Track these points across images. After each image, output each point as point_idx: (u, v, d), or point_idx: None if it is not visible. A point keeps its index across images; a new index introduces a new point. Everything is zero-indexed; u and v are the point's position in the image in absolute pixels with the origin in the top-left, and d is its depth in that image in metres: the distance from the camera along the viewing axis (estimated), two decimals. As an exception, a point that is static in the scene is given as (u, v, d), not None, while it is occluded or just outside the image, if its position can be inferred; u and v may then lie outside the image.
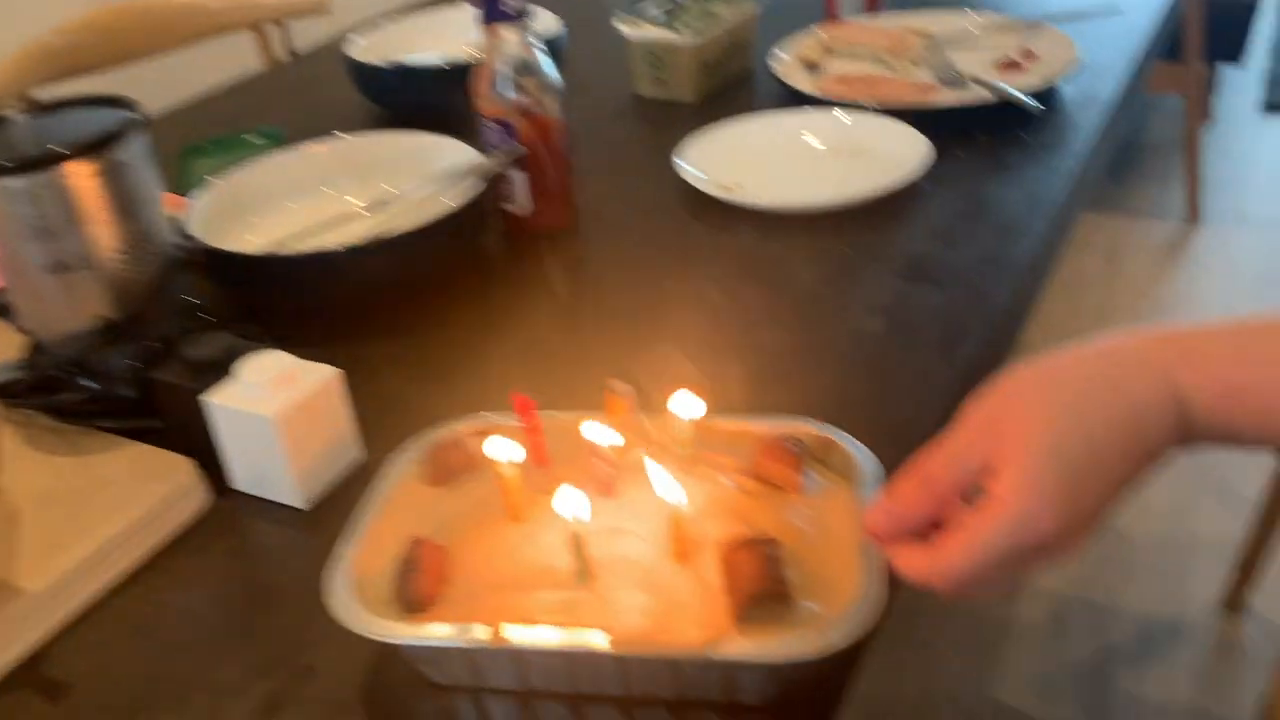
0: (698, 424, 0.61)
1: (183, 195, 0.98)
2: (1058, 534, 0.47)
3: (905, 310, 0.83)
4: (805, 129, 1.14)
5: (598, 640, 0.51)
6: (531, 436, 0.61)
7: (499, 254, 1.01)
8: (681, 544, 0.55)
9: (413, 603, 0.53)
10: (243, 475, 0.71)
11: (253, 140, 1.20)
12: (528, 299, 0.93)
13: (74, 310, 0.75)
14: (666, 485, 0.55)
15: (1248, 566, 1.67)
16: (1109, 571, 1.80)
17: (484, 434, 0.61)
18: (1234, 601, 1.70)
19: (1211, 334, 0.51)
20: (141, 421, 0.75)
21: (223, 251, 0.87)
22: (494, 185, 1.00)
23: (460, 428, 0.64)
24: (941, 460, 0.50)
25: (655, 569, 0.55)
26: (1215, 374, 0.49)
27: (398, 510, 0.59)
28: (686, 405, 0.60)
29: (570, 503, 0.54)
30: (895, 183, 0.99)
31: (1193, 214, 2.67)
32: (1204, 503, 1.91)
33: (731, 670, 0.52)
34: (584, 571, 0.54)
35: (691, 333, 0.84)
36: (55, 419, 0.76)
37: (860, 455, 0.60)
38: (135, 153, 0.76)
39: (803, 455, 0.60)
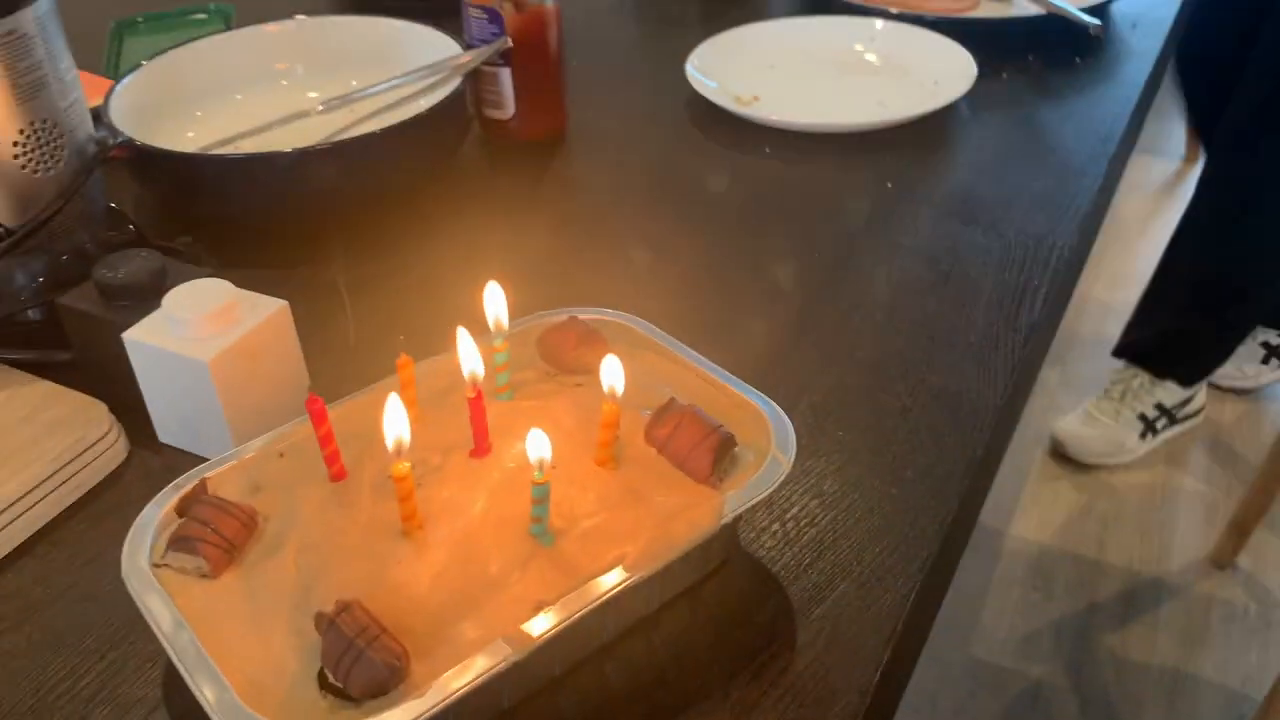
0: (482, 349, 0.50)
1: (109, 79, 0.83)
2: None
3: (954, 258, 0.72)
4: (833, 38, 1.01)
5: (619, 576, 0.43)
6: (327, 446, 0.47)
7: (476, 167, 0.87)
8: (606, 447, 0.47)
9: (390, 678, 0.39)
10: (170, 426, 0.59)
11: (197, 17, 1.04)
12: (508, 220, 0.80)
13: (-35, 213, 0.62)
14: (613, 371, 0.47)
15: (1242, 526, 1.61)
16: (1094, 524, 1.73)
17: (211, 488, 0.48)
18: (1222, 560, 1.65)
19: None
20: (46, 353, 0.62)
21: (153, 149, 0.73)
22: (475, 84, 0.86)
23: (198, 481, 0.48)
24: None
25: (596, 486, 0.47)
26: None
27: (218, 627, 0.42)
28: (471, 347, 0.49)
29: (538, 446, 0.44)
30: (935, 104, 0.86)
31: (1192, 154, 2.57)
32: (1195, 456, 1.85)
33: (731, 527, 0.47)
34: (545, 529, 0.45)
35: (696, 269, 0.72)
36: (-59, 344, 0.63)
37: (636, 323, 0.56)
38: (42, 21, 0.62)
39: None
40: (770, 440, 0.49)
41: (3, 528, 0.52)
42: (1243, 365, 1.92)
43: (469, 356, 0.46)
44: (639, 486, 0.47)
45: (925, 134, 0.86)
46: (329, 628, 0.40)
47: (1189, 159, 2.58)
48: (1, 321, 0.63)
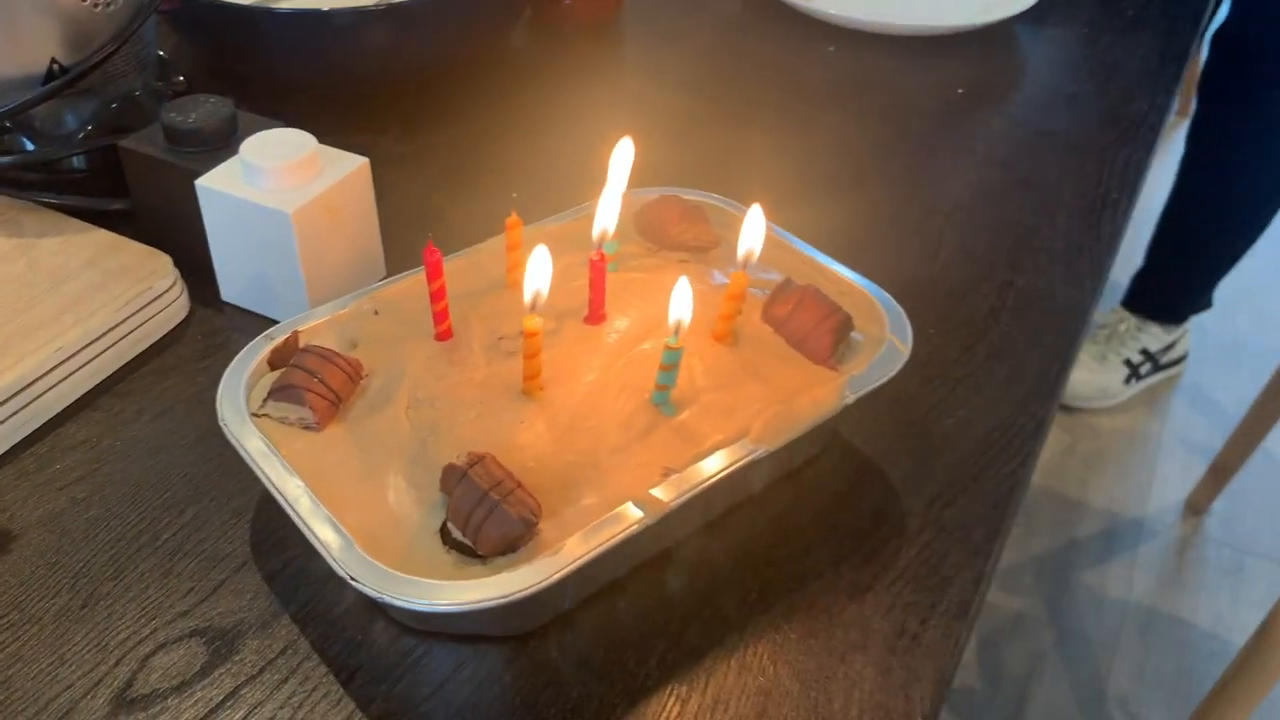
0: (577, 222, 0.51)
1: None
2: None
3: (1031, 165, 0.71)
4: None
5: (744, 449, 0.42)
6: (438, 301, 0.45)
7: (526, 48, 0.84)
8: (728, 320, 0.46)
9: (524, 534, 0.37)
10: (236, 284, 0.56)
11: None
12: (556, 104, 0.77)
13: (14, 48, 0.58)
14: (754, 233, 0.46)
15: (1221, 472, 1.64)
16: (1077, 465, 1.75)
17: (309, 337, 0.46)
18: (1199, 505, 1.68)
19: None
20: (99, 200, 0.59)
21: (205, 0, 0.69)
22: (531, -39, 0.82)
23: (290, 334, 0.46)
24: None
25: (715, 361, 0.46)
26: None
27: (327, 478, 0.40)
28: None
29: (680, 305, 0.42)
30: (996, 15, 0.84)
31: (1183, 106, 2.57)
32: (1177, 404, 1.87)
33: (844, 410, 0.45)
34: (668, 398, 0.43)
35: (764, 161, 0.70)
36: (-16, 187, 0.59)
37: (731, 205, 0.55)
38: None
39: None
40: (884, 327, 0.48)
41: (68, 376, 0.50)
42: (1107, 385, 1.89)
43: (605, 214, 0.44)
44: (757, 363, 0.46)
45: (991, 44, 0.84)
46: (460, 480, 0.38)
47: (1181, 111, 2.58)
48: (46, 167, 0.60)
